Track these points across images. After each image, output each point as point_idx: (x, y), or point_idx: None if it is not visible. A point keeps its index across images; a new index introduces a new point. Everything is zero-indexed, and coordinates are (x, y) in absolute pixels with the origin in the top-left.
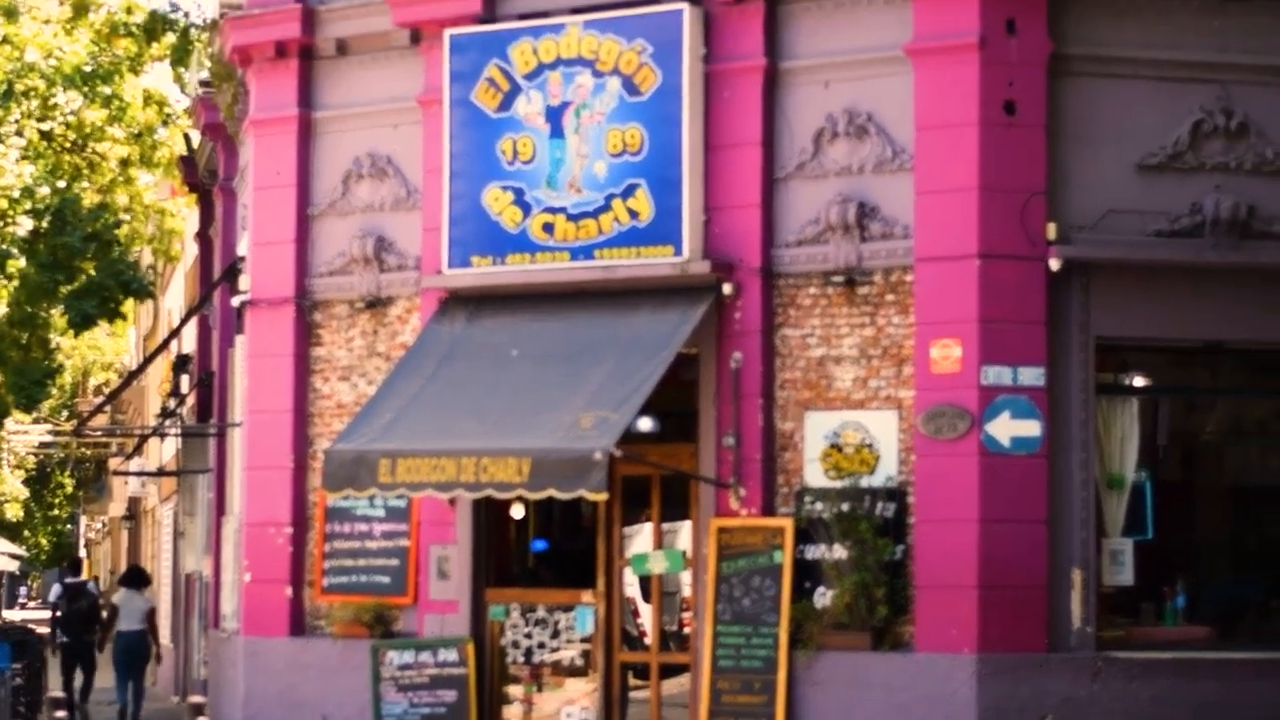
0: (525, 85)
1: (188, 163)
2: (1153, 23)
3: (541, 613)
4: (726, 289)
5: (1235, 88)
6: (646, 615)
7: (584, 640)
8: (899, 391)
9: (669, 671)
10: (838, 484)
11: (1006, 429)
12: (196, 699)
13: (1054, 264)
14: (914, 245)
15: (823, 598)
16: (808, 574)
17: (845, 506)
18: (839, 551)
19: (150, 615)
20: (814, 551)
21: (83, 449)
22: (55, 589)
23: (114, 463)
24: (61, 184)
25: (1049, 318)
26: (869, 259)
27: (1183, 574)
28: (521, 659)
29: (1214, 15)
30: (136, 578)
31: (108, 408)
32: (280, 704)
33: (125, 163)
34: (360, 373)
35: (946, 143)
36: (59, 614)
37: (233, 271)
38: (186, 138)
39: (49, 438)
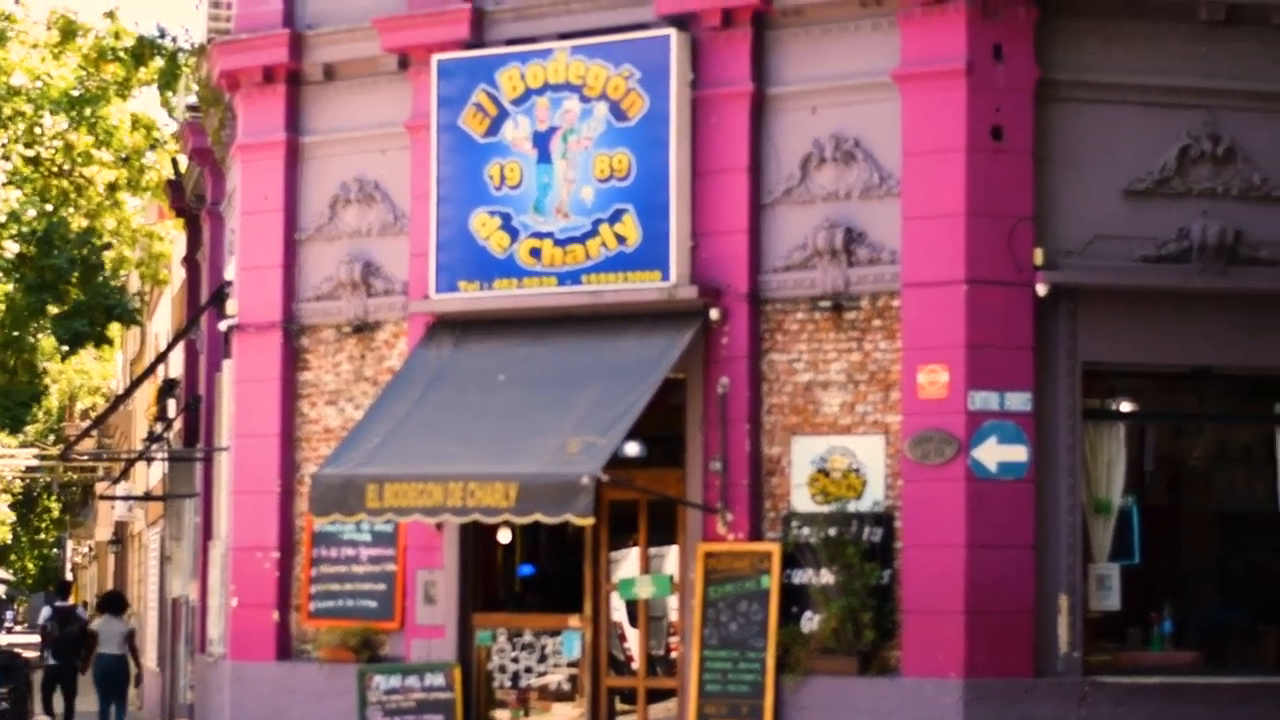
0: (513, 110)
1: (175, 187)
2: (1140, 48)
3: (528, 637)
4: (714, 314)
5: (1222, 113)
6: (633, 640)
7: (571, 665)
8: (886, 416)
9: (656, 696)
10: (825, 509)
11: (993, 454)
12: None
13: (1041, 289)
14: (901, 270)
15: (810, 622)
16: (795, 599)
17: (832, 531)
18: (826, 576)
19: (130, 638)
20: (801, 576)
21: (69, 473)
22: (45, 611)
23: (101, 487)
24: (49, 208)
25: (1036, 343)
26: (856, 284)
27: (1169, 599)
28: (508, 684)
29: (1201, 41)
30: (115, 603)
31: (94, 432)
32: None
33: (113, 187)
34: (347, 397)
35: (934, 168)
36: (52, 637)
37: (220, 296)
38: (174, 162)
39: (36, 462)
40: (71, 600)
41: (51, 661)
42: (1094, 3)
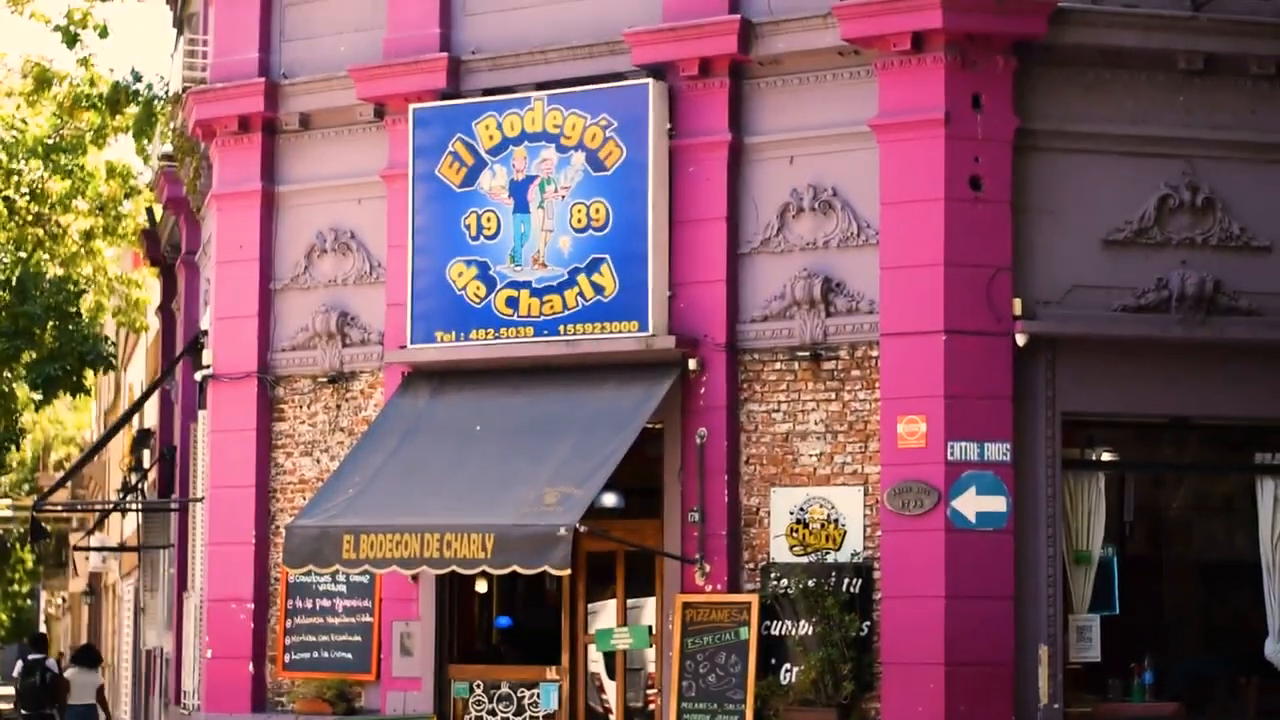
0: (489, 160)
1: (150, 236)
2: (1118, 98)
3: (505, 689)
4: (691, 364)
5: (1201, 163)
6: (611, 692)
7: (548, 717)
8: (865, 467)
9: None
10: (804, 560)
11: (972, 504)
12: None
13: (1020, 339)
14: (879, 320)
15: (788, 674)
16: (773, 650)
17: (811, 582)
18: (805, 628)
19: (100, 691)
20: (780, 628)
21: (43, 524)
22: (19, 665)
23: (75, 538)
24: (23, 255)
25: (1015, 393)
26: (834, 334)
27: (1150, 650)
28: None
29: (1179, 90)
30: (88, 656)
31: (69, 482)
32: None
33: (89, 235)
34: (323, 448)
35: (912, 218)
36: (20, 688)
37: (195, 346)
38: (149, 211)
39: (9, 513)
40: (47, 653)
41: (23, 712)
42: (1072, 53)
